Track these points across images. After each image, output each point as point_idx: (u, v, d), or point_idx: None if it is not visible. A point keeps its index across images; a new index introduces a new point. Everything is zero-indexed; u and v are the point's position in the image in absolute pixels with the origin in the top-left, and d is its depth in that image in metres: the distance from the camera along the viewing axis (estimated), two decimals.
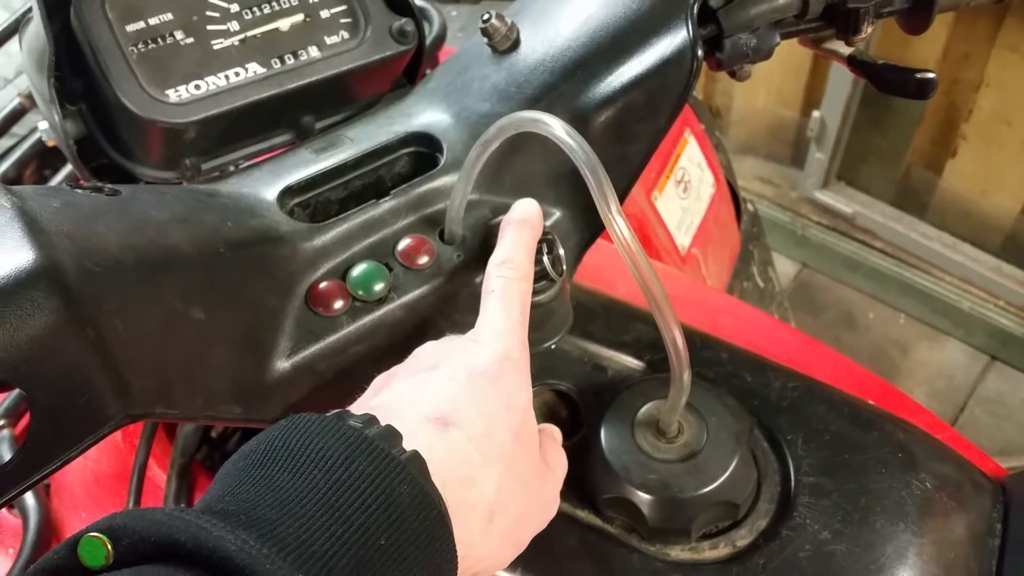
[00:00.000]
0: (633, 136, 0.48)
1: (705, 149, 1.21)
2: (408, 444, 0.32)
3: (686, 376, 0.43)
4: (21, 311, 0.29)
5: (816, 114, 1.73)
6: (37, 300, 0.30)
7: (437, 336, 0.42)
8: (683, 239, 1.09)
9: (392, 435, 0.32)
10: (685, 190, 1.08)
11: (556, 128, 0.39)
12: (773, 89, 1.84)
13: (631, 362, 0.56)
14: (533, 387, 0.55)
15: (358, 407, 0.36)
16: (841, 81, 1.66)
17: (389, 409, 0.34)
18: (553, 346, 0.49)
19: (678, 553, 0.47)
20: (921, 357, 1.75)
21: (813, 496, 0.48)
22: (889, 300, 1.82)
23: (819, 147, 1.79)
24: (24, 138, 0.79)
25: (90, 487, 0.64)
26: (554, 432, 0.44)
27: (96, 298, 0.32)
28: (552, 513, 0.40)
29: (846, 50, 0.53)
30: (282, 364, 0.42)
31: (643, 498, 0.46)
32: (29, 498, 0.64)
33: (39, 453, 0.31)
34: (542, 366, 0.56)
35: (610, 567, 0.47)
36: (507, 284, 0.41)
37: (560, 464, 0.42)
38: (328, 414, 0.32)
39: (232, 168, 0.50)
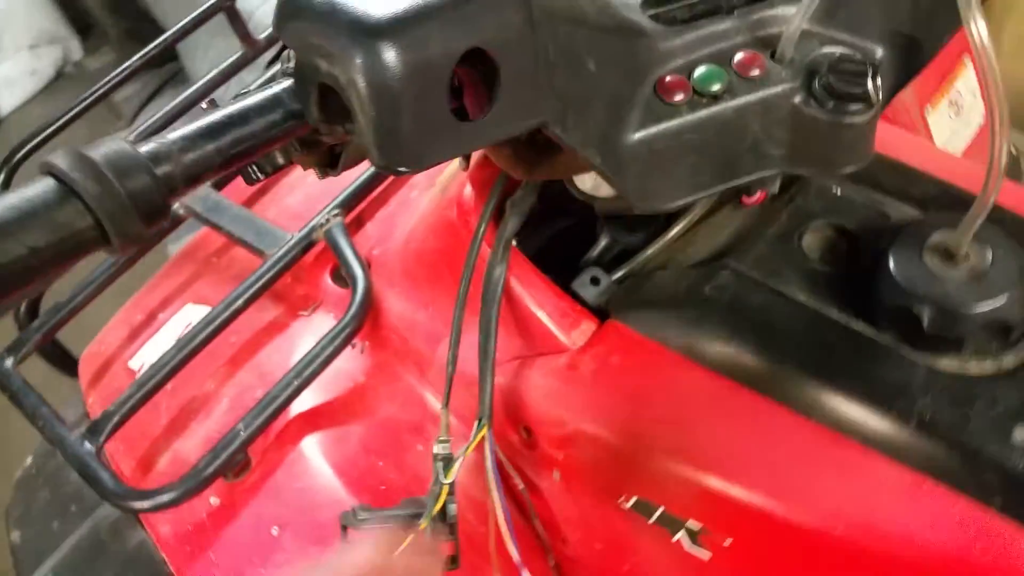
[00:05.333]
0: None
1: (981, 81, 1.19)
2: None
3: (995, 187, 0.47)
4: (509, 5, 0.39)
5: None
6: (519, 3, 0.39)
7: (748, 143, 0.48)
8: None
9: None
10: (957, 112, 1.07)
11: None
12: None
13: (914, 213, 0.61)
14: (816, 223, 0.61)
15: None
16: None
17: None
18: (855, 170, 0.54)
19: (946, 364, 0.52)
20: None
21: None
22: None
23: None
24: None
25: (409, 265, 0.76)
26: None
27: (547, 15, 0.41)
28: None
29: None
30: (630, 136, 0.50)
31: (924, 307, 0.51)
32: (357, 268, 0.78)
33: (494, 121, 0.40)
34: (828, 206, 0.62)
35: (883, 370, 0.53)
36: None
37: None
38: None
39: None
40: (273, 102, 0.38)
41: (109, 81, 0.95)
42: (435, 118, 0.39)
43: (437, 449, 0.57)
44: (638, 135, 0.49)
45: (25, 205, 0.31)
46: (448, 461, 0.57)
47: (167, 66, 2.73)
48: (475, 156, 0.66)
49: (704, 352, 0.56)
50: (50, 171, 0.33)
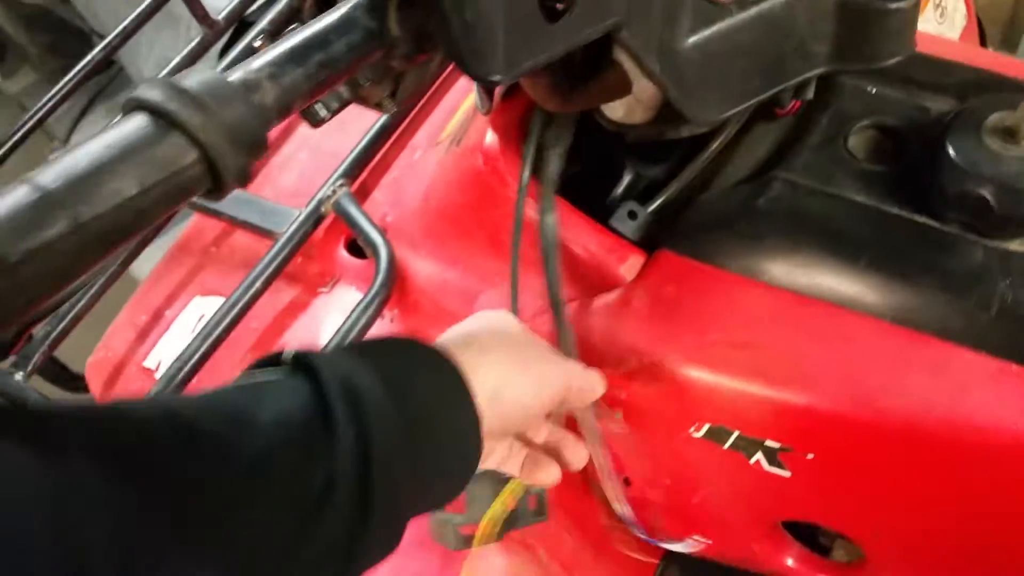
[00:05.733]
0: None
1: None
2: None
3: None
4: None
5: None
6: None
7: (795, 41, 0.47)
8: None
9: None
10: (942, 15, 1.07)
11: None
12: None
13: (952, 103, 0.59)
14: (859, 125, 0.60)
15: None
16: None
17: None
18: (902, 59, 0.53)
19: (1017, 246, 0.51)
20: None
21: None
22: None
23: None
24: None
25: (432, 225, 0.74)
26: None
27: None
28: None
29: None
30: (685, 41, 0.48)
31: (992, 188, 0.50)
32: (376, 235, 0.75)
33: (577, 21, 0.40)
34: (867, 107, 0.61)
35: (956, 260, 0.52)
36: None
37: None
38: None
39: None
40: (348, 22, 0.35)
41: (55, 95, 0.89)
42: (525, 17, 0.37)
43: None
44: (692, 39, 0.48)
45: (123, 143, 0.28)
46: None
47: (94, 79, 2.61)
48: (496, 99, 0.63)
49: (767, 267, 0.54)
50: (141, 105, 0.30)
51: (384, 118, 0.86)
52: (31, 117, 0.89)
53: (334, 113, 0.37)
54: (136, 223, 0.29)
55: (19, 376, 0.76)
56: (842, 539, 0.71)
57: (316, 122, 0.37)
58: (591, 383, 0.53)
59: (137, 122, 0.30)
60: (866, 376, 0.52)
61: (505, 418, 0.46)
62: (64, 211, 0.27)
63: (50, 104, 0.90)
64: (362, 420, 0.36)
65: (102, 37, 0.92)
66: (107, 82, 2.65)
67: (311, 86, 0.33)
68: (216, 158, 0.30)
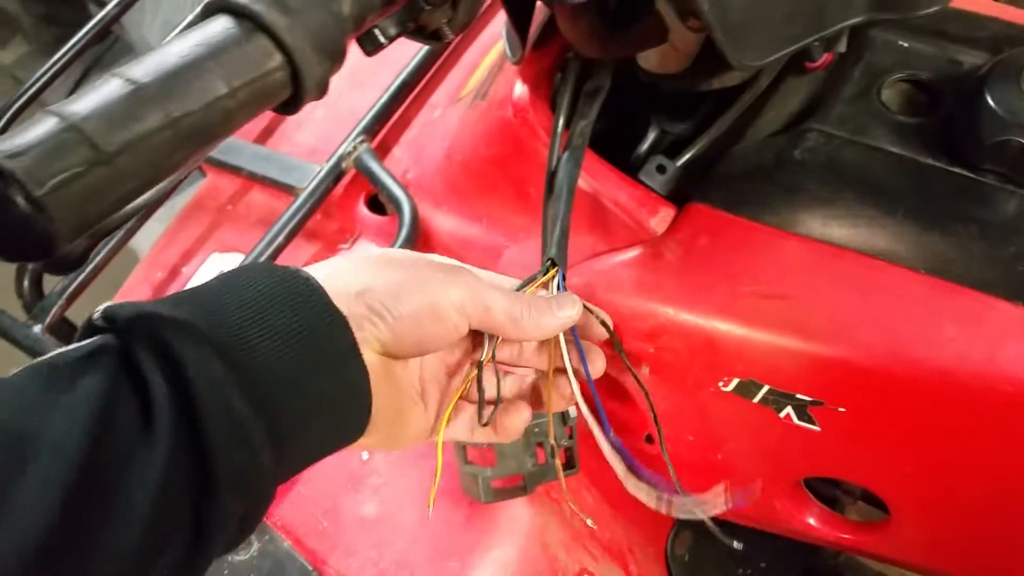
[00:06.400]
0: None
1: None
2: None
3: None
4: None
5: None
6: None
7: None
8: None
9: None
10: None
11: None
12: None
13: (985, 56, 0.59)
14: (892, 78, 0.59)
15: None
16: None
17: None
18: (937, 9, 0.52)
19: None
20: None
21: None
22: None
23: None
24: None
25: (456, 180, 0.73)
26: None
27: None
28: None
29: None
30: None
31: None
32: (399, 191, 0.74)
33: None
34: (899, 60, 0.60)
35: (994, 210, 0.51)
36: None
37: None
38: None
39: None
40: None
41: (53, 65, 0.87)
42: None
43: None
44: None
45: (211, 42, 0.28)
46: None
47: (89, 51, 2.56)
48: (528, 47, 0.62)
49: (803, 218, 0.54)
50: (225, 7, 0.29)
51: (402, 76, 0.85)
52: (29, 87, 0.87)
53: (391, 40, 0.36)
54: (223, 124, 0.28)
55: (37, 328, 0.76)
56: (859, 500, 0.72)
57: (373, 48, 0.36)
58: (528, 313, 0.44)
59: (222, 23, 0.29)
60: (901, 328, 0.52)
61: (385, 316, 0.39)
62: (157, 106, 0.26)
63: (48, 75, 0.88)
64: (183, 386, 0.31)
65: (100, 6, 0.89)
66: (103, 51, 2.62)
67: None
68: (300, 63, 0.29)
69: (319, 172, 0.77)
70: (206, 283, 0.37)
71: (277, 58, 0.29)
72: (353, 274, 0.40)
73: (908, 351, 0.52)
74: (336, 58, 0.31)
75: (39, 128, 0.26)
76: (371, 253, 0.43)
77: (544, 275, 0.50)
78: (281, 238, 0.73)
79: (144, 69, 0.27)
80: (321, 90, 0.31)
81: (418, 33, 0.38)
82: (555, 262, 0.51)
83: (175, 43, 0.28)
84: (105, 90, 0.27)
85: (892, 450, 0.58)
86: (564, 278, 0.50)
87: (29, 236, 0.26)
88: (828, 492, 0.71)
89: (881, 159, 0.54)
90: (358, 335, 0.38)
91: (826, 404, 0.55)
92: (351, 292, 0.39)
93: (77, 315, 0.89)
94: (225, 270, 0.79)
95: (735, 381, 0.57)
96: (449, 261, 0.46)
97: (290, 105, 0.31)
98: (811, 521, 0.68)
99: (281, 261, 0.76)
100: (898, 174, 0.54)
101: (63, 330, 0.97)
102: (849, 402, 0.55)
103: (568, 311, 0.46)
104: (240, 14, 0.29)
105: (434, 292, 0.41)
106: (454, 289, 0.42)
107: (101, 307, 0.34)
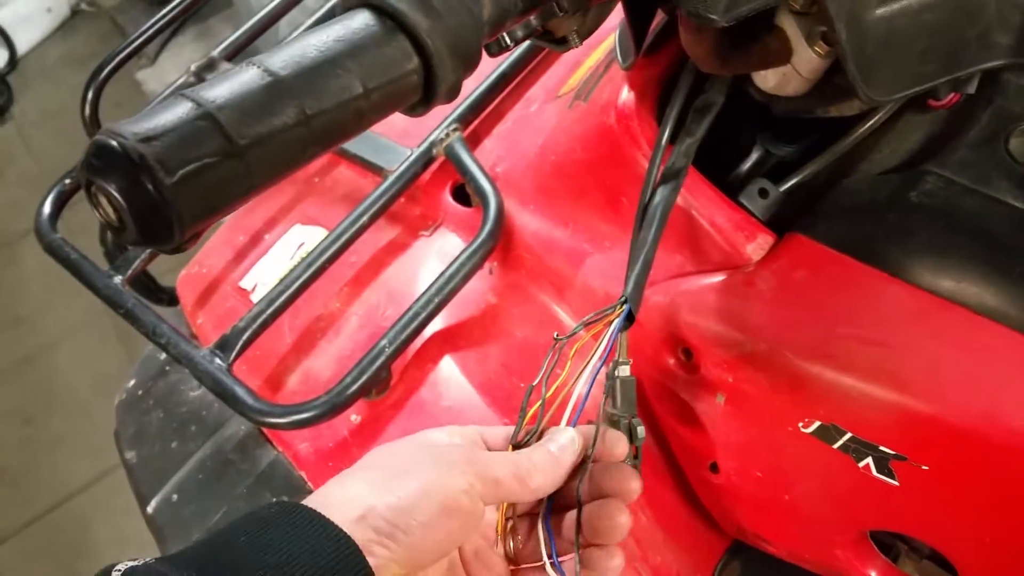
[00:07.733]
0: None
1: None
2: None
3: None
4: None
5: None
6: None
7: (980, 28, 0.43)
8: None
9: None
10: None
11: None
12: None
13: None
14: (1023, 126, 0.56)
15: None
16: None
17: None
18: None
19: None
20: None
21: None
22: None
23: None
24: None
25: (546, 181, 0.72)
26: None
27: None
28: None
29: None
30: (874, 11, 0.45)
31: None
32: (487, 184, 0.73)
33: None
34: None
35: None
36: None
37: None
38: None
39: None
40: None
41: (161, 18, 0.88)
42: None
43: (619, 372, 0.53)
44: (880, 10, 0.45)
45: (351, 39, 0.27)
46: (627, 383, 0.53)
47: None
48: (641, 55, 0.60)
49: (912, 264, 0.52)
50: (369, 2, 0.28)
51: (501, 67, 0.84)
52: (137, 37, 0.88)
53: (517, 43, 0.35)
54: (353, 125, 0.28)
55: (118, 279, 0.77)
56: (925, 560, 0.69)
57: (499, 51, 0.35)
58: (533, 467, 0.43)
59: (364, 19, 0.28)
60: (1001, 392, 0.49)
61: (395, 534, 0.37)
62: (293, 101, 0.26)
63: (156, 27, 0.89)
64: None
65: None
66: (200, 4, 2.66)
67: (526, 4, 0.31)
68: (437, 67, 0.28)
69: (409, 156, 0.77)
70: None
71: (414, 60, 0.28)
72: (345, 498, 0.38)
73: (1004, 417, 0.49)
74: (470, 63, 0.30)
75: (173, 112, 0.25)
76: (355, 466, 0.41)
77: (612, 311, 0.48)
78: (365, 218, 0.73)
79: (282, 60, 0.26)
80: (451, 95, 0.30)
81: (544, 37, 0.37)
82: (627, 301, 0.49)
83: (314, 35, 0.27)
84: (242, 78, 0.26)
85: (972, 515, 0.55)
86: (631, 318, 0.49)
87: (151, 221, 0.26)
88: (889, 540, 0.69)
89: (1002, 212, 0.51)
90: (372, 562, 0.36)
91: (909, 460, 0.53)
92: (350, 519, 0.36)
93: (157, 270, 0.91)
94: (306, 243, 0.79)
95: (816, 424, 0.55)
96: (436, 436, 0.44)
97: (417, 108, 0.30)
98: (872, 574, 0.65)
99: (363, 241, 0.76)
100: (1019, 231, 0.51)
101: (143, 283, 0.99)
102: (934, 461, 0.52)
103: (565, 443, 0.46)
104: (384, 12, 0.28)
105: (438, 489, 0.38)
106: (457, 475, 0.39)
107: (123, 565, 0.34)
